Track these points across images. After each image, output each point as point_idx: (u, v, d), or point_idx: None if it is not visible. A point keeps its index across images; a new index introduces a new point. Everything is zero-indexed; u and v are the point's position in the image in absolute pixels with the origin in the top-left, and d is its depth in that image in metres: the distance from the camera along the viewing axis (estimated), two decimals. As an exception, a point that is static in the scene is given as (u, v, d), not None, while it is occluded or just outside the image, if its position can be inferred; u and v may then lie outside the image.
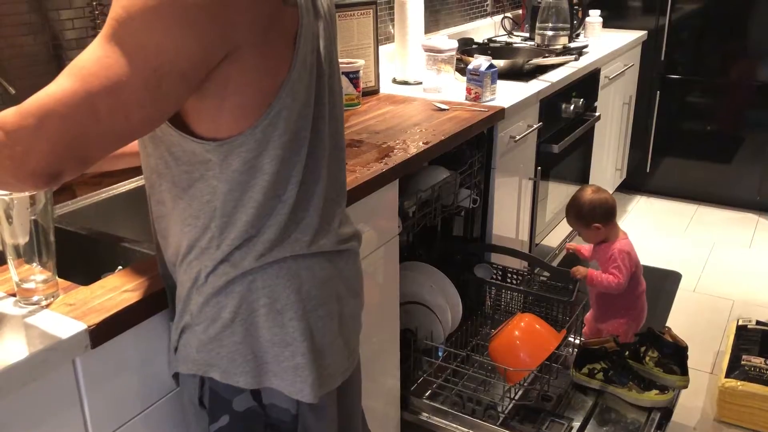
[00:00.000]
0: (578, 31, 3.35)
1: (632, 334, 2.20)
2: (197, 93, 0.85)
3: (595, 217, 2.12)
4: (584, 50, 3.05)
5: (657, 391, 1.82)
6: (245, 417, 0.99)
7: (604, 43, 3.30)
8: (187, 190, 0.93)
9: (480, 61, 2.22)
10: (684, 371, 1.88)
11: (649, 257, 3.24)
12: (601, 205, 2.13)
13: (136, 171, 1.67)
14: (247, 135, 0.88)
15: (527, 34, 3.42)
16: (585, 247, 2.29)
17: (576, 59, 2.85)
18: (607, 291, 2.11)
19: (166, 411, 1.12)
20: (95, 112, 0.79)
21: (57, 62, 1.58)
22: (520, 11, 3.69)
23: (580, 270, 2.10)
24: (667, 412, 1.81)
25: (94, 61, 0.79)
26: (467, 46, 2.95)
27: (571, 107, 2.74)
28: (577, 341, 2.03)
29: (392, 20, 2.69)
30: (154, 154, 0.94)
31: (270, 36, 0.85)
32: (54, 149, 0.80)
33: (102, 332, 0.96)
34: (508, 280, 2.19)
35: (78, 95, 0.78)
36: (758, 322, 2.46)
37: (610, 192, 3.71)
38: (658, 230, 3.59)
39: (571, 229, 2.82)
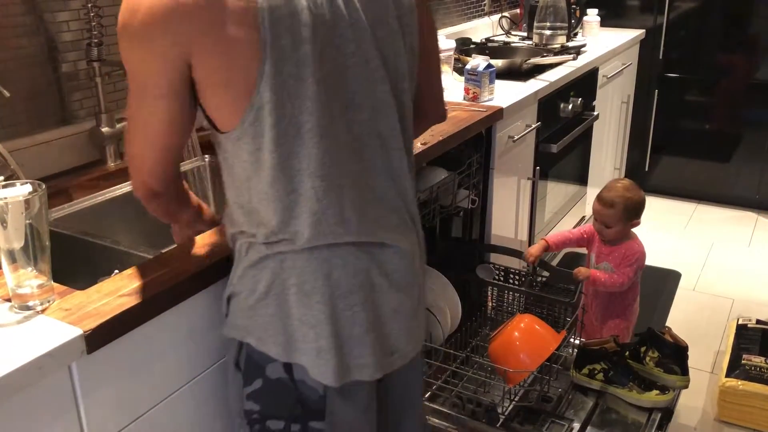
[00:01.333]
0: (576, 30, 3.34)
1: (630, 334, 2.20)
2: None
3: (639, 213, 2.13)
4: (582, 49, 3.04)
5: (657, 392, 1.81)
6: (277, 385, 1.05)
7: (602, 42, 3.30)
8: (226, 174, 1.03)
9: (478, 61, 2.21)
10: (684, 371, 1.87)
11: (648, 256, 3.21)
12: (643, 201, 2.15)
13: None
14: (240, 130, 0.94)
15: (525, 34, 3.42)
16: (552, 239, 2.24)
17: (574, 58, 2.85)
18: (608, 290, 2.11)
19: (164, 415, 1.11)
20: (133, 133, 1.01)
21: (52, 64, 1.57)
22: (518, 10, 3.68)
23: (582, 271, 2.09)
24: (667, 412, 1.80)
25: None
26: (465, 46, 2.94)
27: (570, 107, 2.73)
28: (577, 342, 2.02)
29: (390, 20, 2.68)
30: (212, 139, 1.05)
31: (225, 35, 0.89)
32: (133, 164, 1.05)
33: (98, 337, 0.95)
34: (510, 281, 2.19)
35: (128, 123, 1.02)
36: (758, 321, 2.46)
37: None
38: (657, 229, 3.58)
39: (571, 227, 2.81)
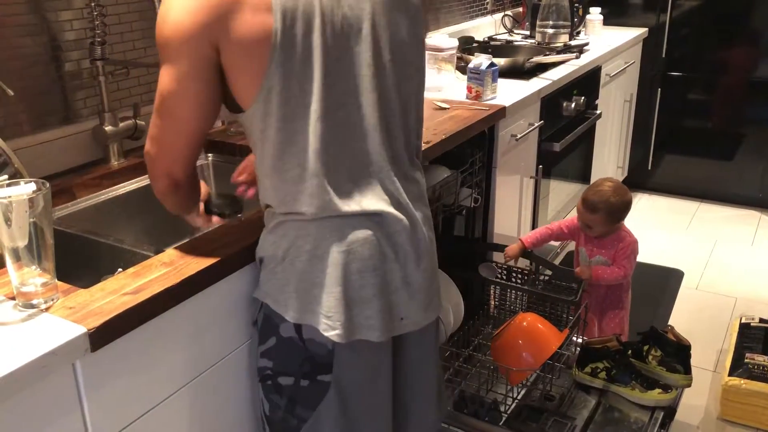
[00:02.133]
0: (579, 29, 3.34)
1: (627, 322, 2.21)
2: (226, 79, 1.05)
3: (623, 216, 2.14)
4: (585, 48, 3.04)
5: (660, 390, 1.81)
6: (289, 343, 1.14)
7: (604, 40, 3.29)
8: (252, 148, 1.12)
9: (480, 60, 2.21)
10: (687, 370, 1.87)
11: (651, 255, 3.24)
12: (628, 204, 2.14)
13: (135, 172, 1.67)
14: (253, 109, 1.04)
15: (528, 32, 3.42)
16: (529, 239, 2.21)
17: (577, 57, 2.85)
18: (610, 283, 2.12)
19: (168, 413, 1.11)
20: (164, 123, 1.08)
21: (55, 63, 1.58)
22: (521, 9, 3.68)
23: (584, 270, 2.09)
24: (670, 411, 1.81)
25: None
26: (468, 45, 2.94)
27: (572, 105, 2.73)
28: (580, 340, 2.02)
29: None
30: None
31: (244, 23, 0.99)
32: (159, 156, 1.12)
33: (102, 335, 0.95)
34: (513, 280, 2.19)
35: (154, 115, 1.09)
36: (761, 320, 2.46)
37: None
38: (660, 228, 3.58)
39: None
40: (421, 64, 1.19)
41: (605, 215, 2.10)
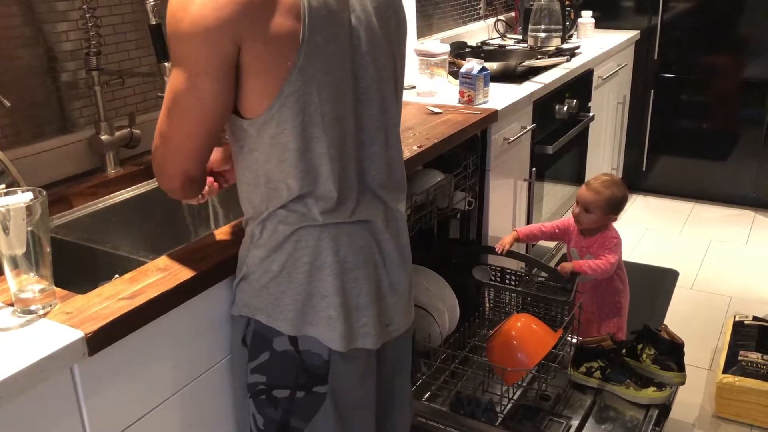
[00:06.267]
0: (571, 33, 3.36)
1: (624, 329, 2.23)
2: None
3: (619, 210, 2.20)
4: (576, 51, 3.07)
5: (654, 388, 1.83)
6: (283, 356, 1.13)
7: (596, 43, 3.32)
8: (242, 162, 1.11)
9: (472, 64, 2.23)
10: (681, 368, 1.88)
11: (646, 255, 3.26)
12: (625, 198, 2.22)
13: (131, 180, 1.69)
14: (267, 114, 1.03)
15: (520, 37, 3.44)
16: (523, 231, 2.27)
17: (567, 60, 2.87)
18: (597, 276, 2.13)
19: (166, 416, 1.13)
20: (177, 124, 1.05)
21: (51, 74, 1.60)
22: (513, 14, 3.71)
23: (565, 266, 2.10)
24: (664, 408, 1.82)
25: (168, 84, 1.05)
26: (460, 50, 2.96)
27: (565, 108, 2.75)
28: (575, 340, 2.04)
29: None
30: (228, 131, 1.12)
31: (273, 25, 0.98)
32: (172, 156, 1.08)
33: (99, 340, 0.97)
34: (507, 281, 2.20)
35: (164, 114, 1.06)
36: (755, 318, 2.47)
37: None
38: (655, 228, 3.60)
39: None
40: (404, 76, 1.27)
41: (606, 200, 2.15)
